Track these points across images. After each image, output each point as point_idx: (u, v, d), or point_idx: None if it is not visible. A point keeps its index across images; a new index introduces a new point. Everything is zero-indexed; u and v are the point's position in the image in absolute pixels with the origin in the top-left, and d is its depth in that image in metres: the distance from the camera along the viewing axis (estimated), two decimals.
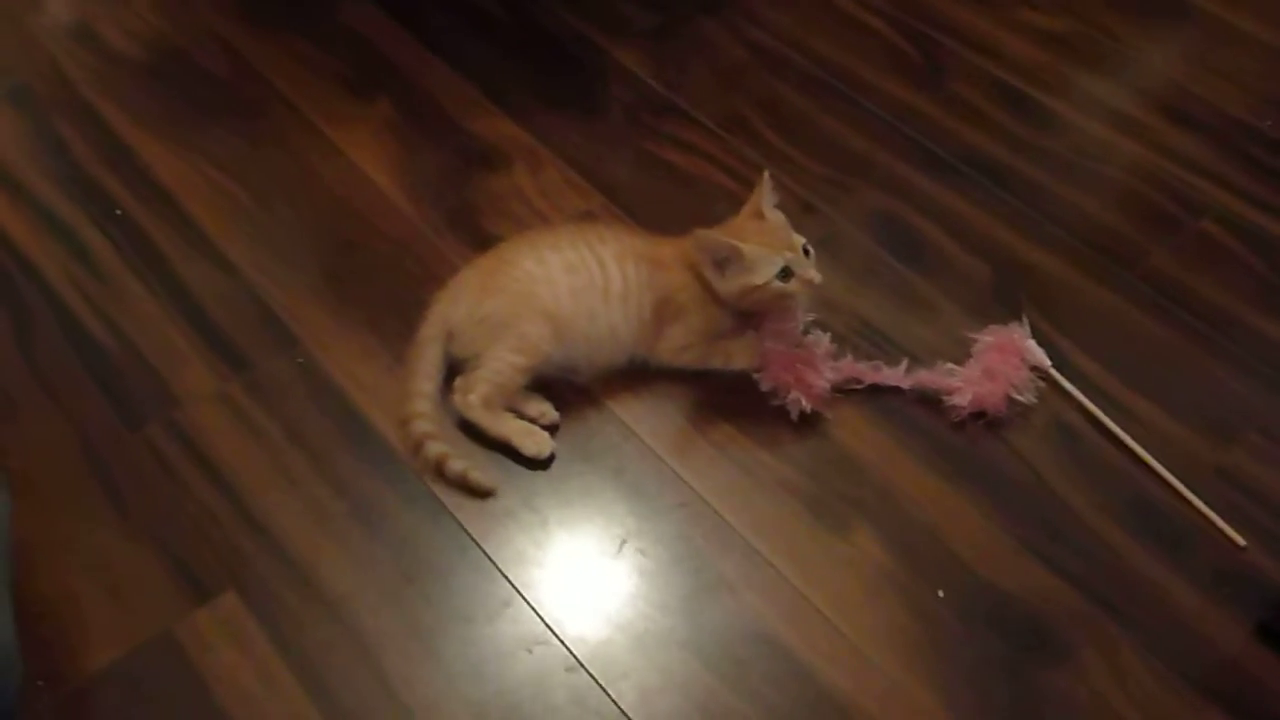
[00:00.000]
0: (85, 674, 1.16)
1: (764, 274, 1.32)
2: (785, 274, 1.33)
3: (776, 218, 1.38)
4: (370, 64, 1.85)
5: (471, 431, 1.36)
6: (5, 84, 1.79)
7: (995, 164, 1.73)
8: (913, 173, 1.72)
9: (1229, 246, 1.64)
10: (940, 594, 1.26)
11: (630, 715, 1.15)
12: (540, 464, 1.34)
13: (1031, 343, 1.45)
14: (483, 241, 1.55)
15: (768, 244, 1.33)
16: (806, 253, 1.35)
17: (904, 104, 1.82)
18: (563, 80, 1.84)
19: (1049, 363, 1.45)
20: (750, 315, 1.41)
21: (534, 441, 1.34)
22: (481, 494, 1.31)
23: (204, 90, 1.80)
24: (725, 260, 1.33)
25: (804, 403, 1.38)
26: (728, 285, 1.35)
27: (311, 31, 1.90)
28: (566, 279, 1.38)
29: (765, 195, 1.37)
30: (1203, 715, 1.18)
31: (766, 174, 1.38)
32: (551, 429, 1.36)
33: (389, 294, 1.51)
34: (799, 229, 1.38)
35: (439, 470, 1.32)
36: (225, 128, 1.73)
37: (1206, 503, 1.34)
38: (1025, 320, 1.48)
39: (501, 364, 1.35)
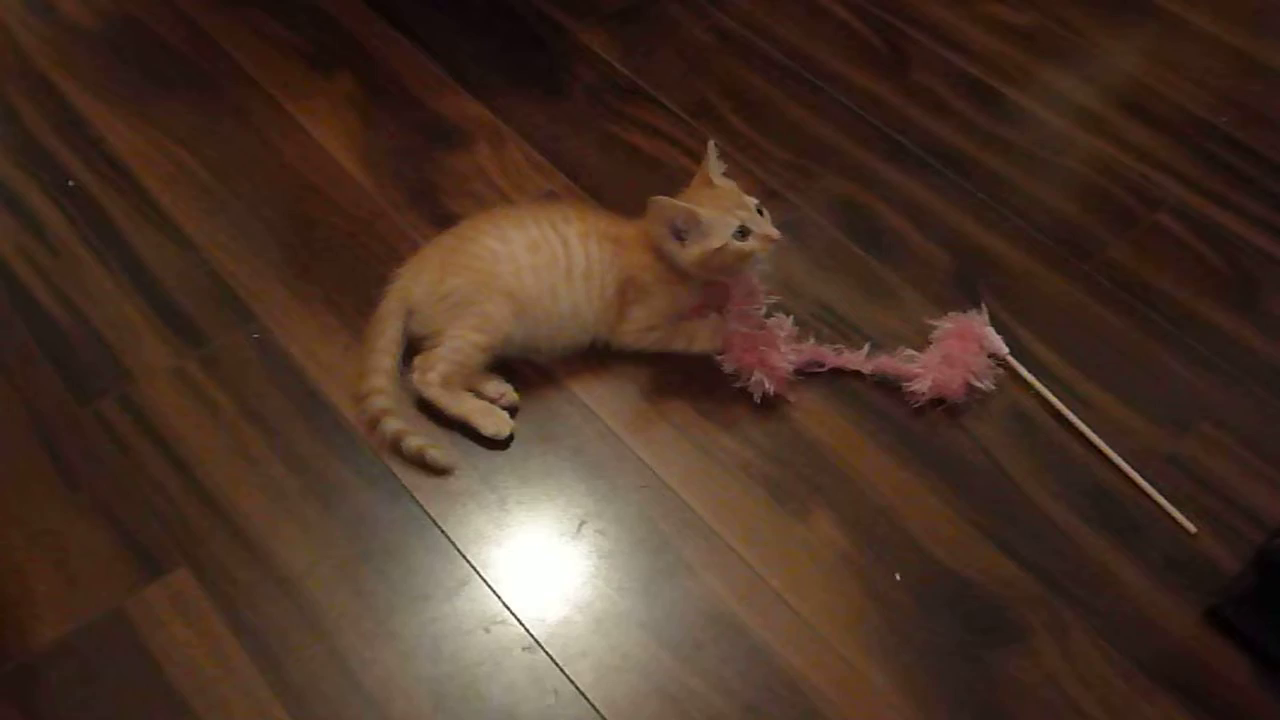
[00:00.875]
0: (32, 650, 1.14)
1: (721, 235, 1.32)
2: (742, 233, 1.32)
3: (726, 184, 1.38)
4: (331, 38, 1.83)
5: (430, 411, 1.35)
6: None
7: (958, 154, 1.74)
8: (876, 161, 1.72)
9: (1184, 239, 1.66)
10: (897, 577, 1.27)
11: (588, 694, 1.15)
12: (499, 444, 1.33)
13: (990, 330, 1.46)
14: (444, 220, 1.53)
15: (721, 207, 1.33)
16: (761, 212, 1.35)
17: (869, 93, 1.83)
18: (527, 60, 1.83)
19: (1007, 350, 1.46)
20: (717, 290, 1.42)
21: (493, 421, 1.33)
22: (439, 471, 1.30)
23: (161, 63, 1.77)
24: (684, 228, 1.33)
25: (767, 385, 1.38)
26: (688, 253, 1.34)
27: (272, 4, 1.87)
28: (529, 257, 1.37)
29: (712, 163, 1.38)
30: (1153, 698, 1.19)
31: (711, 142, 1.39)
32: (511, 410, 1.35)
33: (348, 271, 1.49)
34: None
35: (396, 447, 1.31)
36: (183, 101, 1.70)
37: (1159, 490, 1.35)
38: (984, 308, 1.48)
39: (462, 342, 1.34)
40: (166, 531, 1.24)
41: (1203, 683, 1.21)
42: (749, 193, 1.39)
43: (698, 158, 1.67)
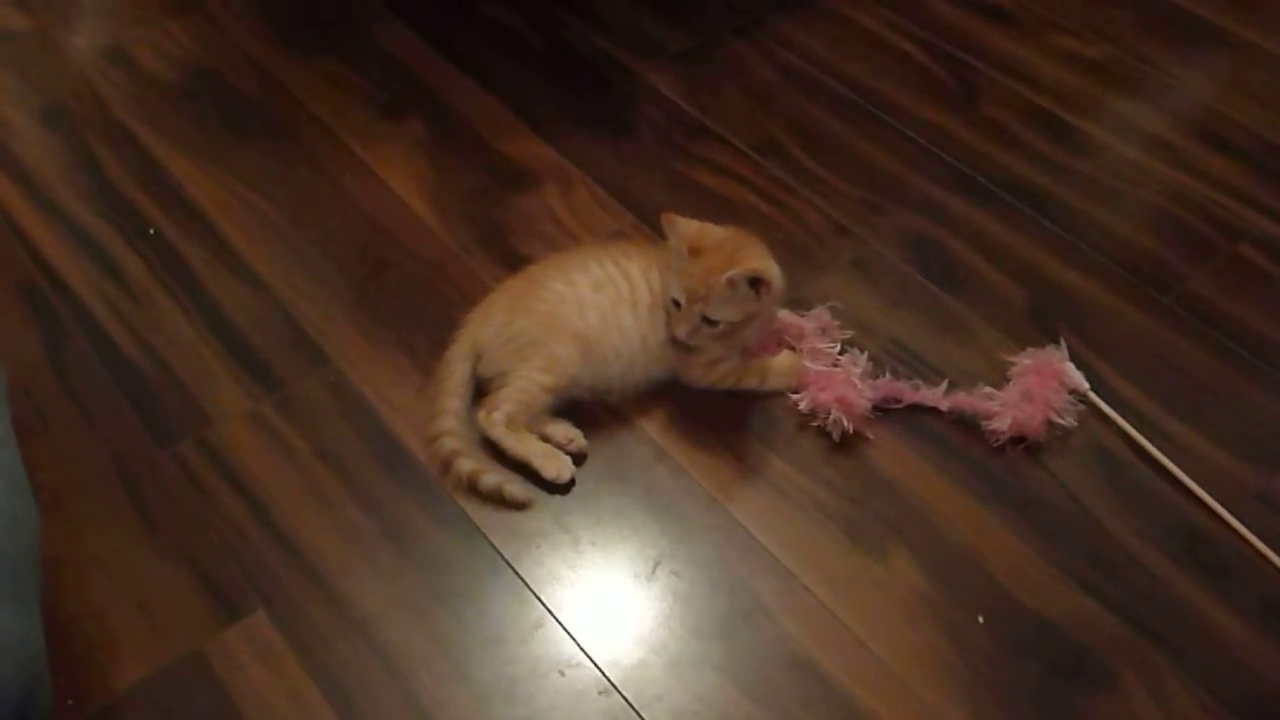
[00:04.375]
0: (114, 693, 1.15)
1: (671, 291, 1.34)
2: (676, 304, 1.34)
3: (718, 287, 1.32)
4: (402, 85, 1.86)
5: (494, 451, 1.35)
6: (41, 104, 1.80)
7: (1029, 187, 1.72)
8: (946, 195, 1.71)
9: (1267, 270, 1.62)
10: (980, 619, 1.24)
11: None
12: (559, 488, 1.33)
13: (1070, 366, 1.44)
14: (514, 261, 1.54)
15: (692, 279, 1.31)
16: (710, 321, 1.33)
17: (937, 127, 1.82)
18: (594, 101, 1.85)
19: (1087, 386, 1.43)
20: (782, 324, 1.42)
21: (554, 465, 1.33)
22: (517, 506, 1.30)
23: (237, 111, 1.81)
24: (680, 251, 1.33)
25: (845, 422, 1.37)
26: (670, 272, 1.36)
27: (343, 53, 1.91)
28: (594, 297, 1.37)
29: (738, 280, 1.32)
30: None
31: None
32: (579, 456, 1.35)
33: (420, 313, 1.50)
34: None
35: (472, 486, 1.31)
36: (257, 148, 1.74)
37: (1251, 530, 1.31)
38: (1063, 343, 1.46)
39: (527, 383, 1.34)
40: (244, 574, 1.24)
41: None
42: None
43: (765, 195, 1.69)
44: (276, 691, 1.16)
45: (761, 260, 1.33)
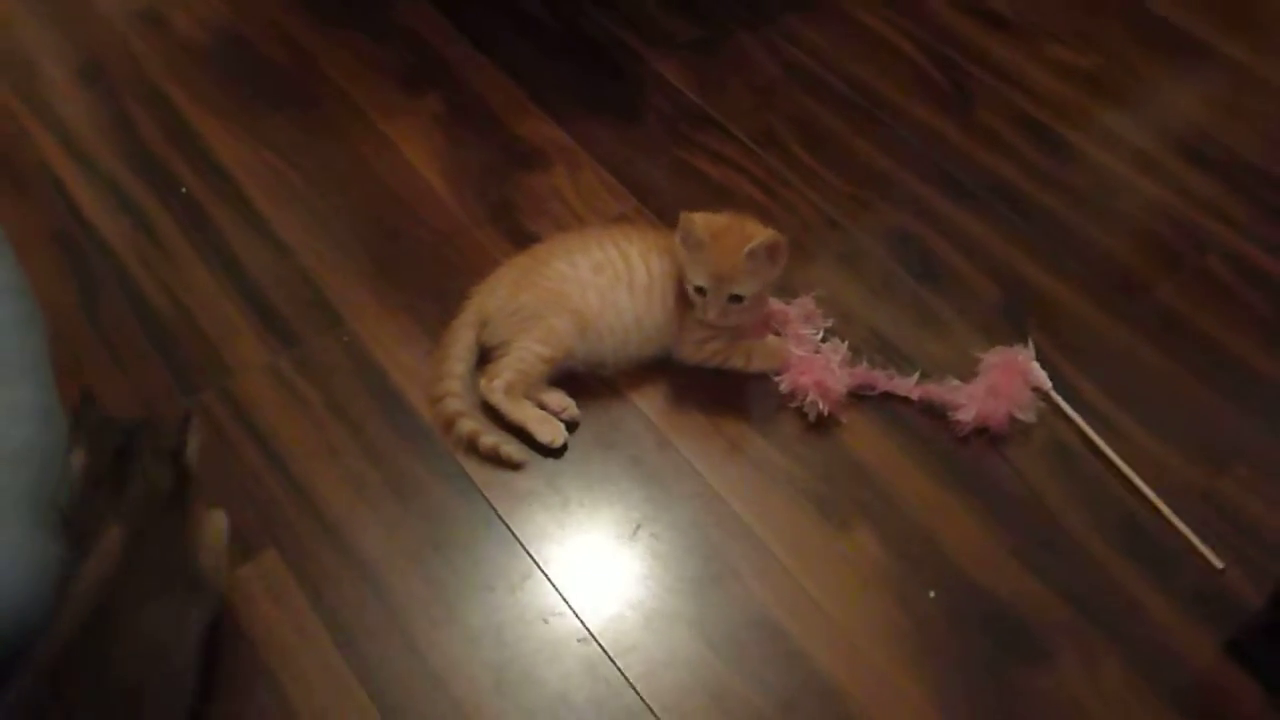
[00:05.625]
0: None
1: (692, 279, 1.44)
2: (700, 291, 1.43)
3: (745, 262, 1.42)
4: (422, 60, 1.95)
5: (492, 415, 1.45)
6: (78, 60, 1.89)
7: (1012, 190, 1.81)
8: (932, 194, 1.80)
9: (1231, 284, 1.71)
10: (932, 594, 1.34)
11: (636, 686, 1.24)
12: (552, 452, 1.43)
13: (1035, 365, 1.53)
14: (521, 237, 1.64)
15: (712, 263, 1.41)
16: (739, 299, 1.43)
17: (929, 128, 1.91)
18: (604, 86, 1.94)
19: (1050, 385, 1.53)
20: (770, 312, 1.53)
21: (548, 430, 1.43)
22: (513, 466, 1.41)
23: (265, 79, 1.90)
24: (691, 246, 1.43)
25: (821, 405, 1.47)
26: (683, 264, 1.45)
27: (368, 27, 2.00)
28: (594, 279, 1.47)
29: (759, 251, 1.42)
30: None
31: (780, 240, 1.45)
32: (572, 424, 1.45)
33: (430, 281, 1.60)
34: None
35: (471, 445, 1.41)
36: (284, 116, 1.83)
37: (1190, 526, 1.41)
38: (1031, 343, 1.56)
39: (527, 353, 1.44)
40: (258, 515, 1.35)
41: (1220, 712, 1.28)
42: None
43: (763, 185, 1.78)
44: (285, 626, 1.27)
45: (767, 230, 1.44)
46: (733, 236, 1.42)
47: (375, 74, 1.92)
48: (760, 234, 1.42)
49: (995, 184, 1.82)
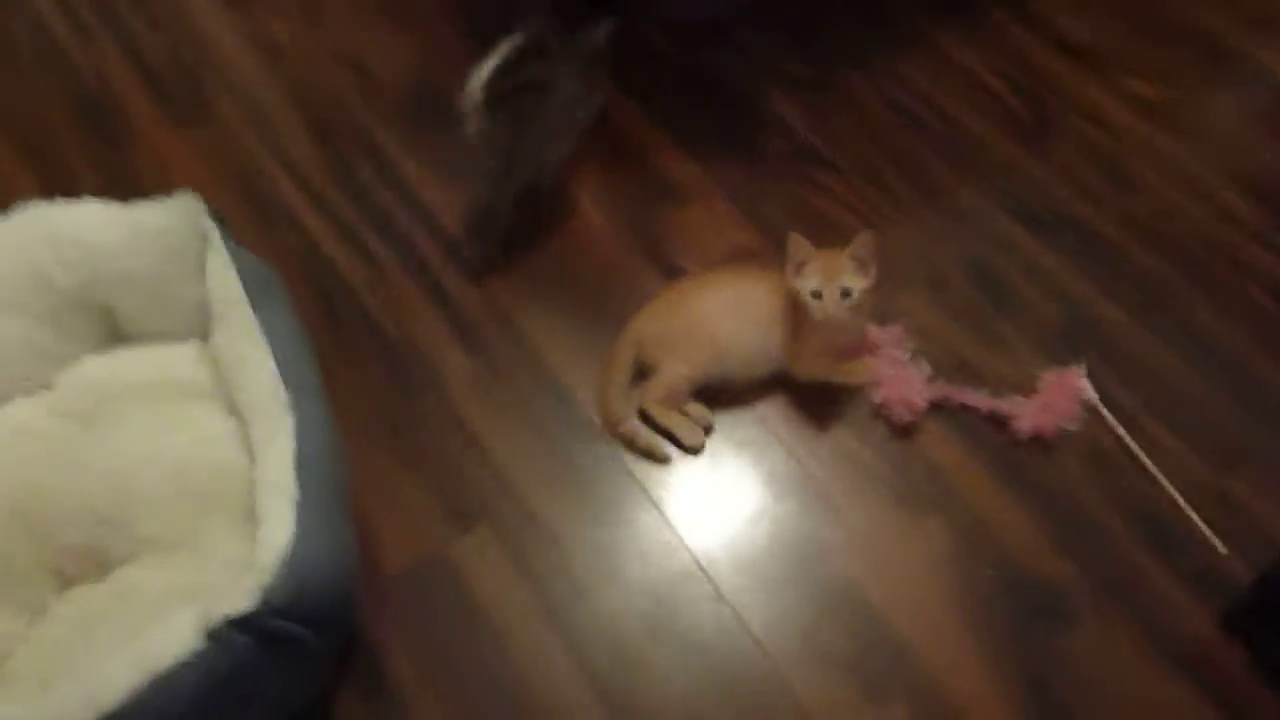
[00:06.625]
0: (386, 574, 1.70)
1: (804, 286, 1.69)
2: (816, 295, 1.69)
3: (844, 261, 1.71)
4: None
5: (646, 420, 1.84)
6: (306, 115, 2.26)
7: (1080, 221, 2.08)
8: (1011, 225, 2.07)
9: (1272, 312, 1.98)
10: (989, 572, 1.71)
11: (756, 634, 1.65)
12: (693, 452, 1.81)
13: (1086, 382, 1.84)
14: (668, 270, 1.99)
15: (821, 271, 1.71)
16: (847, 294, 1.71)
17: (1012, 161, 2.17)
18: (733, 126, 2.23)
19: (1098, 399, 1.85)
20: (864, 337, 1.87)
21: (691, 435, 1.82)
22: (663, 461, 1.80)
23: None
24: (798, 265, 1.74)
25: (906, 416, 1.83)
26: (790, 281, 1.72)
27: None
28: (729, 311, 1.83)
29: (856, 248, 1.72)
30: (1170, 681, 1.61)
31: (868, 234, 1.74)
32: (708, 428, 1.83)
33: (597, 309, 1.96)
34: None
35: (631, 443, 1.81)
36: None
37: (1203, 518, 1.75)
38: (1084, 364, 1.87)
39: (674, 374, 1.81)
40: (473, 497, 1.76)
41: (1213, 673, 1.62)
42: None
43: (865, 218, 2.10)
44: (497, 587, 1.68)
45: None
46: (832, 249, 1.72)
47: None
48: (857, 239, 1.71)
49: (1066, 215, 2.09)
